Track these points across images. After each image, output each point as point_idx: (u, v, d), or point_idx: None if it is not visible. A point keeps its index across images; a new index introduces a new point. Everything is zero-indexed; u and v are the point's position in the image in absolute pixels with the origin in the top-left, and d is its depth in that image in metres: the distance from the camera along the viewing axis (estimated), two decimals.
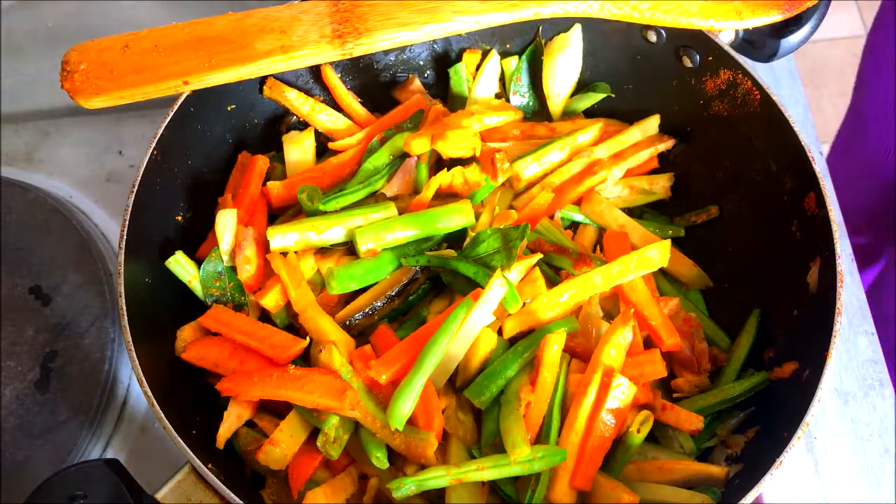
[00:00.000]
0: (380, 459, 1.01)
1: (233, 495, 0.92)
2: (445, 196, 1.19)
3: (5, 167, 1.52)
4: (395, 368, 1.03)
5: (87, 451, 1.23)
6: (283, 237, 1.12)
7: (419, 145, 1.16)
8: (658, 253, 1.11)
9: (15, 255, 1.36)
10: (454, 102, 1.32)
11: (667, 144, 1.28)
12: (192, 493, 0.93)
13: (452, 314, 1.01)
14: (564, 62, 1.28)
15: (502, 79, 1.34)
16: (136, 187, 1.06)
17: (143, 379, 0.95)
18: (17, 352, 1.28)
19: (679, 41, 1.19)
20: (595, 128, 1.27)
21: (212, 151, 1.21)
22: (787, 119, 1.10)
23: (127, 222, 1.04)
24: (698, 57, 1.19)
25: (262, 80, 1.23)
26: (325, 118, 1.27)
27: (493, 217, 1.18)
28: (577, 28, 1.27)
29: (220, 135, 1.22)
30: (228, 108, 1.21)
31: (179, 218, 1.16)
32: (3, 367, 1.26)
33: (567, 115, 1.33)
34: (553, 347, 1.04)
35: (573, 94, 1.32)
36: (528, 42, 1.31)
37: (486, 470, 0.98)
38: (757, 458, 0.98)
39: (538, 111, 1.34)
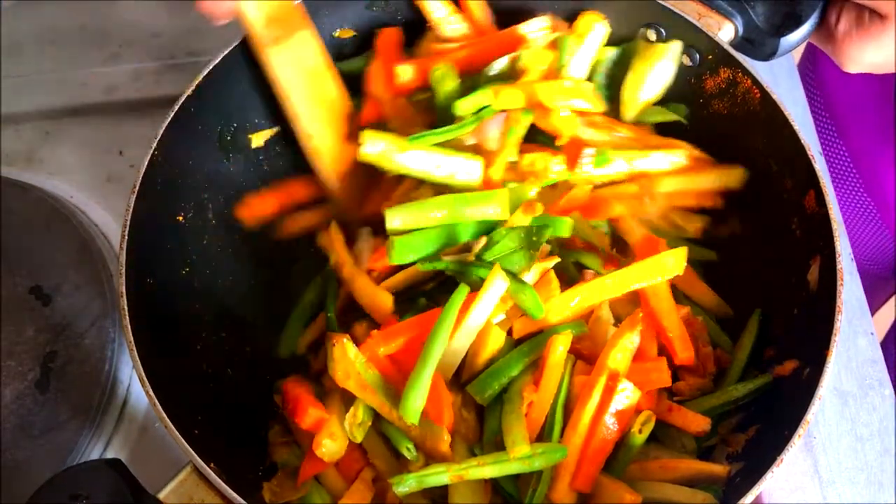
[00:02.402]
0: (410, 451, 1.02)
1: (235, 495, 0.92)
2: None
3: (5, 167, 1.52)
4: (395, 343, 1.03)
5: (88, 451, 1.23)
6: (373, 144, 1.08)
7: (506, 99, 1.10)
8: (674, 260, 1.08)
9: (15, 255, 1.36)
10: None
11: (715, 202, 1.21)
12: (195, 493, 0.93)
13: (449, 302, 1.00)
14: (658, 71, 1.21)
15: None
16: (136, 187, 1.06)
17: (145, 378, 0.95)
18: (17, 352, 1.28)
19: (679, 40, 1.20)
20: (682, 153, 1.18)
21: (214, 153, 1.21)
22: (786, 117, 1.10)
23: (128, 222, 1.04)
24: (698, 55, 1.19)
25: None
26: (450, 24, 1.23)
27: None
28: (679, 44, 1.20)
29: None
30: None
31: (181, 218, 1.16)
32: (3, 367, 1.26)
33: (636, 124, 1.24)
34: (559, 348, 1.03)
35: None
36: (624, 39, 1.24)
37: (487, 466, 0.98)
38: (758, 457, 0.98)
39: (604, 111, 1.23)
